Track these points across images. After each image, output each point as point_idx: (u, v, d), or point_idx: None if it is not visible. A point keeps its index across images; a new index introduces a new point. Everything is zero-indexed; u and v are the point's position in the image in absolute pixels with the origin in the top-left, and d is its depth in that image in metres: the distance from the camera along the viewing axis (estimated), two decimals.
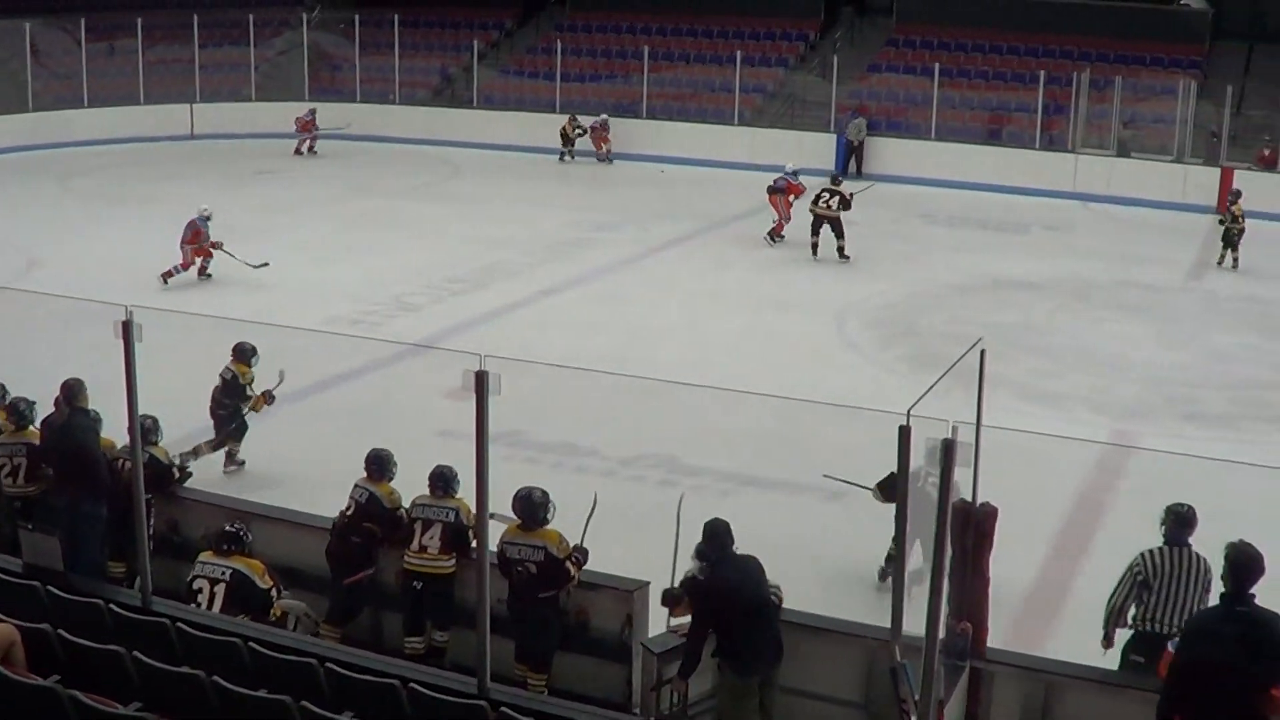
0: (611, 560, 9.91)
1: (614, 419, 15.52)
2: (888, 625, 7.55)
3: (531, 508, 9.77)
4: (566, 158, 36.36)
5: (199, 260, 22.04)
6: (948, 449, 6.58)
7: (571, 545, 9.67)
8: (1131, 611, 9.66)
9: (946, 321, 20.64)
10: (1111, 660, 9.37)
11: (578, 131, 36.25)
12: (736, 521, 9.10)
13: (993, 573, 8.67)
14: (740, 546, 9.07)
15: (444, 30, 43.23)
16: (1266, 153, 34.22)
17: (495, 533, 9.32)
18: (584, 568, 9.73)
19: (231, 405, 14.38)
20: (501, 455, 12.65)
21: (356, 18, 40.50)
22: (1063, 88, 35.37)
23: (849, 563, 12.07)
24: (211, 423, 14.44)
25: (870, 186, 28.57)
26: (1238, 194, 27.19)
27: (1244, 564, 7.71)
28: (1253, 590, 7.68)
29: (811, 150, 34.79)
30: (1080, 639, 10.86)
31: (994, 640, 9.03)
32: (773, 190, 27.46)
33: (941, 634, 7.39)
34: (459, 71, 41.37)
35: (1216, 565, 8.04)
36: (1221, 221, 27.26)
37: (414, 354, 17.97)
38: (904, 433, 6.77)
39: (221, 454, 14.55)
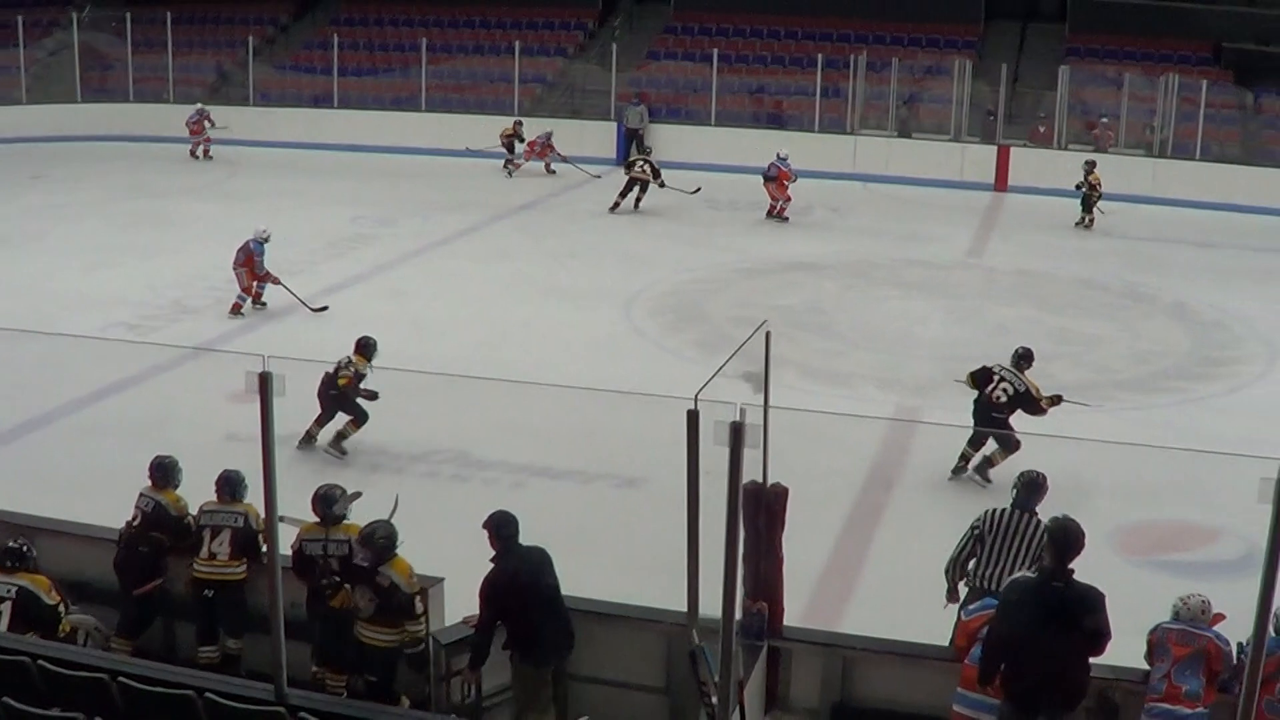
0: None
1: (403, 415, 15.35)
2: (684, 609, 7.54)
3: (329, 504, 9.62)
4: (511, 167, 33.83)
5: (255, 286, 20.49)
6: (736, 431, 6.60)
7: None
8: (971, 565, 9.96)
9: (733, 305, 20.80)
10: (925, 626, 9.44)
11: (517, 140, 34.05)
12: (530, 513, 9.06)
13: (786, 551, 8.74)
14: (536, 537, 9.02)
15: (218, 27, 42.25)
16: (1041, 130, 35.16)
17: (287, 536, 9.18)
18: None
19: (337, 391, 14.60)
20: (289, 457, 12.49)
21: (128, 16, 39.37)
22: (840, 70, 35.81)
23: (644, 548, 12.07)
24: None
25: (698, 189, 29.03)
26: (1092, 164, 28.52)
27: (1065, 538, 7.88)
28: (1072, 565, 7.85)
29: (593, 139, 34.93)
30: (875, 613, 11.04)
31: (790, 618, 9.13)
32: (766, 178, 28.16)
33: (738, 615, 7.42)
34: (234, 68, 40.58)
35: None
36: (1079, 187, 28.39)
37: (195, 358, 17.59)
38: (692, 417, 6.76)
39: (332, 433, 14.84)
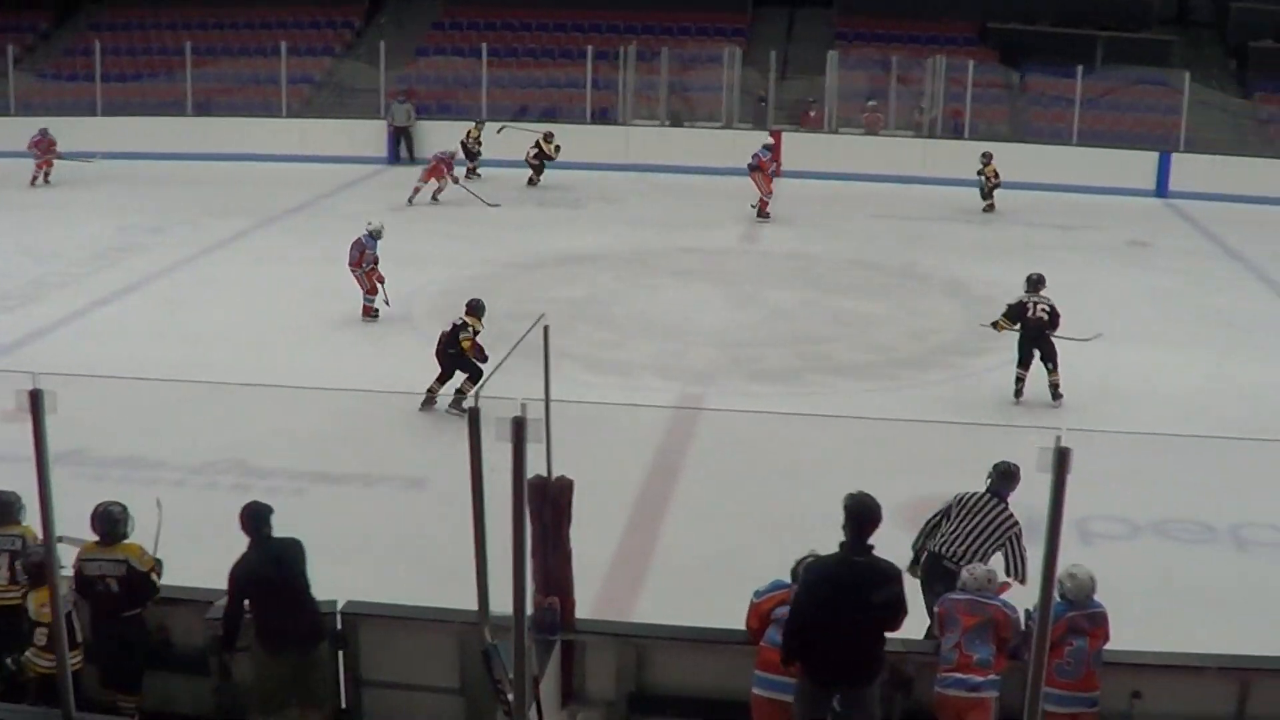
0: (189, 571, 9.56)
1: (180, 428, 15.02)
2: (475, 608, 7.47)
3: (110, 522, 9.31)
4: (470, 176, 31.91)
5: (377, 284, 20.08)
6: (518, 427, 6.54)
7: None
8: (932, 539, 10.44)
9: (512, 301, 20.68)
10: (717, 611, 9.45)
11: (478, 146, 32.45)
12: (314, 519, 8.93)
13: (574, 544, 8.70)
14: (320, 544, 8.94)
15: None
16: (811, 114, 35.65)
17: (68, 556, 8.91)
18: (161, 580, 9.38)
19: (456, 350, 15.75)
20: (66, 475, 12.07)
21: None
22: (610, 62, 35.88)
23: (432, 549, 11.94)
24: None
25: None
26: (989, 156, 29.03)
27: (862, 513, 7.93)
28: (871, 540, 7.91)
29: (363, 139, 34.55)
30: (666, 601, 11.07)
31: (582, 611, 9.08)
32: (751, 169, 28.07)
33: (529, 611, 7.36)
34: None
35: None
36: (980, 173, 28.89)
37: None
38: (473, 414, 6.68)
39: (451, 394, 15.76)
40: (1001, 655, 8.53)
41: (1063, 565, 7.74)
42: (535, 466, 7.71)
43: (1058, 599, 8.26)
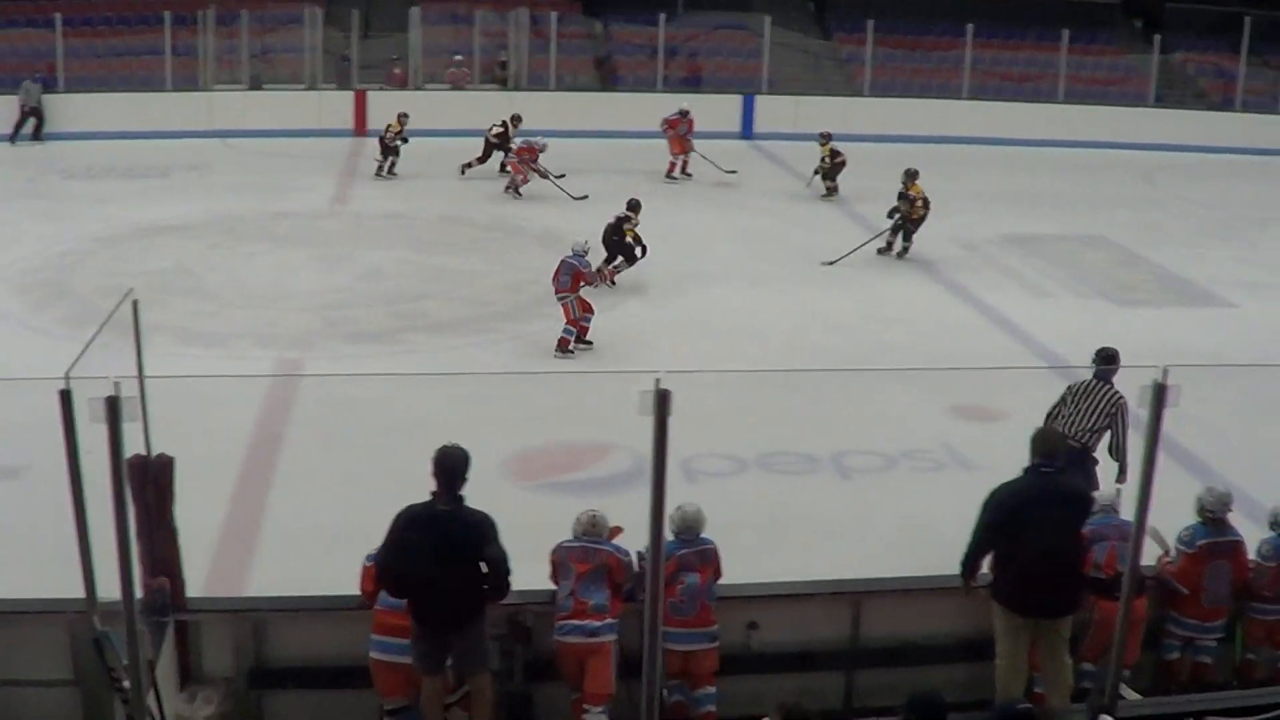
0: None
1: None
2: (83, 596, 7.25)
3: None
4: (384, 173, 28.92)
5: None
6: (112, 406, 6.39)
7: None
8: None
9: (100, 276, 20.02)
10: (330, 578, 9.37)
11: (399, 141, 28.85)
12: None
13: (180, 522, 8.53)
14: None
15: None
16: (397, 71, 35.45)
17: None
18: None
19: (619, 240, 20.35)
20: None
21: None
22: (189, 27, 34.76)
23: (33, 539, 11.51)
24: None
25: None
26: (827, 136, 27.77)
27: (449, 464, 8.03)
28: (462, 492, 8.01)
29: None
30: (279, 572, 10.94)
31: (193, 589, 8.93)
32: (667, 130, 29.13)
33: (139, 594, 7.21)
34: None
35: None
36: (824, 158, 27.94)
37: None
38: (65, 397, 6.49)
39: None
40: (617, 599, 8.73)
41: (671, 504, 7.93)
42: (133, 446, 7.54)
43: (669, 537, 8.48)
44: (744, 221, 24.64)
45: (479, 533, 7.98)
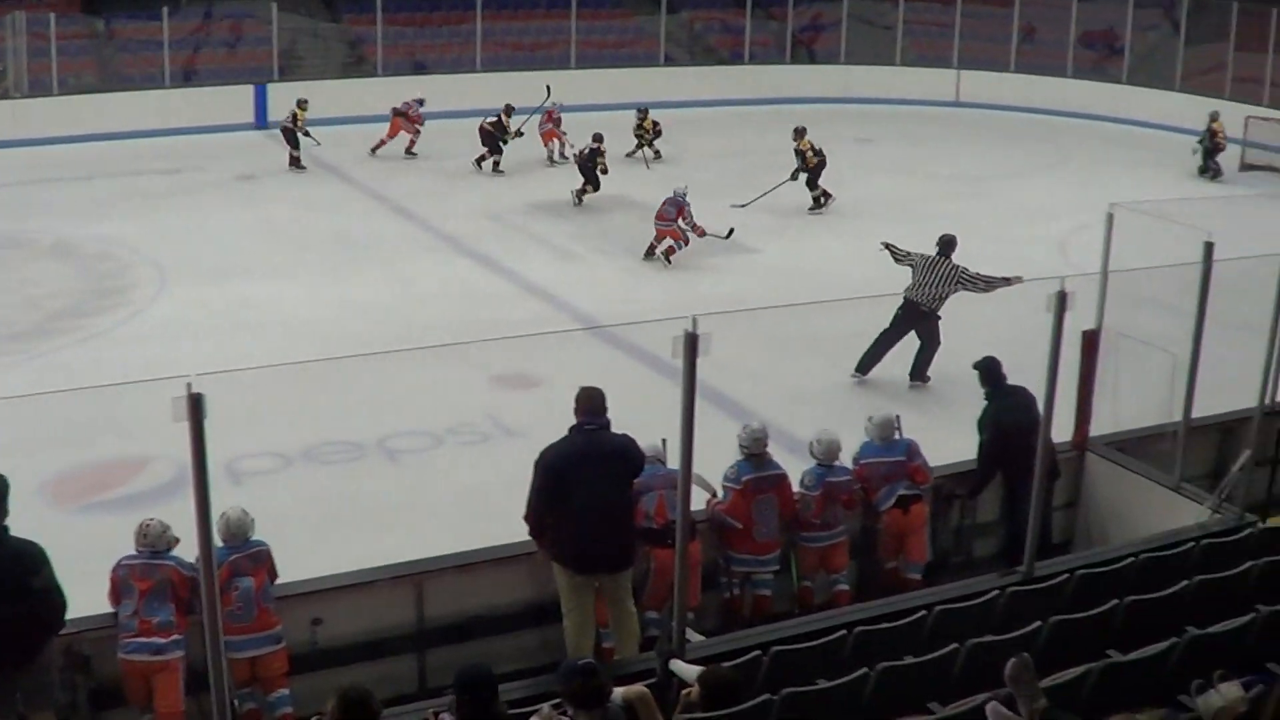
0: None
1: None
2: None
3: None
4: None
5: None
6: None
7: None
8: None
9: None
10: None
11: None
12: None
13: None
14: None
15: None
16: None
17: None
18: None
19: (593, 167, 24.94)
20: None
21: None
22: None
23: None
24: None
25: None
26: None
27: None
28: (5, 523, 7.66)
29: None
30: None
31: None
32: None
33: None
34: None
35: None
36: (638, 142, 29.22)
37: None
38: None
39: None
40: (182, 615, 8.53)
41: (217, 509, 7.76)
42: None
43: (219, 543, 8.29)
44: (266, 213, 24.19)
45: (22, 564, 7.66)
